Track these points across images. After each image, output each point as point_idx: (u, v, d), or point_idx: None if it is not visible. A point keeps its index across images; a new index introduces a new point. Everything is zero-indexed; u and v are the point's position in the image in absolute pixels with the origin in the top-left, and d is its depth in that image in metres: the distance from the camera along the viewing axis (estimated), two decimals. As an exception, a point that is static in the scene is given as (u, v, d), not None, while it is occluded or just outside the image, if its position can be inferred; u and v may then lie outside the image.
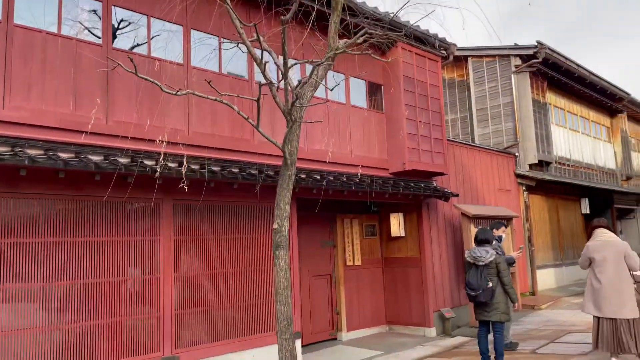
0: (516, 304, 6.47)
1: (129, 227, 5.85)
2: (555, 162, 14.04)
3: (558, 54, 13.31)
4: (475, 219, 9.85)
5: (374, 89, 9.05)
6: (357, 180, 7.84)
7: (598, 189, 15.92)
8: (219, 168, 6.22)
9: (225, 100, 4.69)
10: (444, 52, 9.83)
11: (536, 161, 12.79)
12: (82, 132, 5.26)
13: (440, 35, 9.62)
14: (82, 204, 5.51)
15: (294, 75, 7.26)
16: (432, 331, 9.26)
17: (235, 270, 6.76)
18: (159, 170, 5.28)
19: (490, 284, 6.22)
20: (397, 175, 8.95)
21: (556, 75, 13.69)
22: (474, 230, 9.77)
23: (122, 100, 5.78)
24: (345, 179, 7.67)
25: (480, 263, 6.26)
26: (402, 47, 8.86)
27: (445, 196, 9.38)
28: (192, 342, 6.20)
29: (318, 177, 7.29)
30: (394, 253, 10.05)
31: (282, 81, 4.81)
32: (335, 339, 9.22)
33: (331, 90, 6.24)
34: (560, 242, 14.31)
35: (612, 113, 18.17)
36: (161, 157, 5.20)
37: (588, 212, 15.68)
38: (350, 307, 9.46)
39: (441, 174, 9.45)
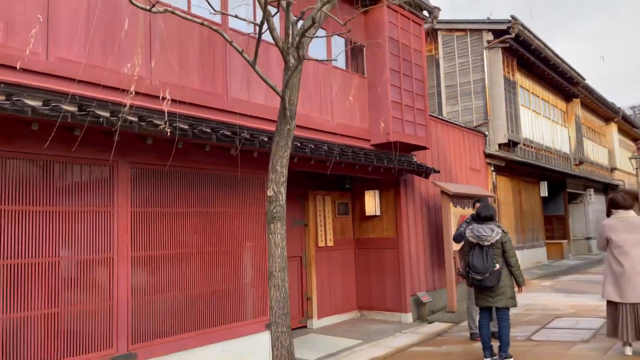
0: (523, 287, 5.86)
1: (75, 195, 4.65)
2: (521, 143, 13.79)
3: (529, 31, 12.97)
4: (455, 197, 9.25)
5: (355, 51, 8.14)
6: (340, 150, 6.94)
7: (554, 173, 15.96)
8: (187, 126, 5.11)
9: (213, 25, 3.61)
10: (427, 15, 9.06)
11: (506, 141, 12.43)
12: (13, 68, 3.99)
13: (423, -2, 8.84)
14: (12, 162, 4.25)
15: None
16: (408, 317, 8.61)
17: (205, 250, 5.70)
18: (119, 123, 4.12)
19: (498, 266, 5.55)
20: (379, 147, 8.14)
21: (526, 53, 13.37)
22: (453, 209, 9.18)
23: (67, 31, 4.52)
24: (327, 148, 6.75)
25: (486, 243, 5.57)
26: (387, 4, 7.98)
27: (427, 172, 8.68)
28: (152, 336, 5.11)
29: (298, 144, 6.32)
30: (368, 233, 9.28)
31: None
32: (305, 326, 8.36)
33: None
34: (522, 225, 14.18)
35: (567, 97, 18.31)
36: (127, 107, 4.03)
37: (546, 195, 15.69)
38: (322, 292, 8.61)
39: (423, 147, 8.74)
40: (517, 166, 13.67)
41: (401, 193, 8.90)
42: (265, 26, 3.71)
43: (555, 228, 18.49)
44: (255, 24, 3.64)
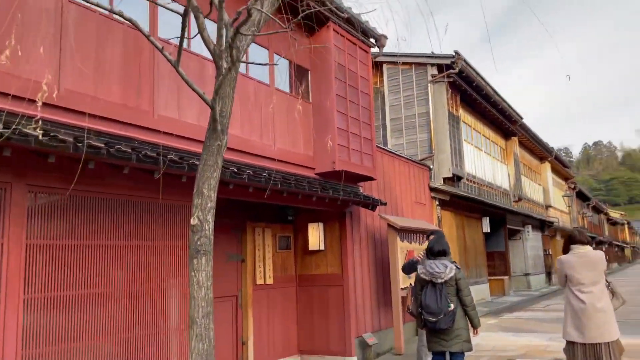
0: (478, 329, 5.39)
1: (-51, 223, 3.75)
2: (465, 178, 13.76)
3: (471, 67, 13.13)
4: (402, 231, 8.83)
5: (300, 74, 7.68)
6: (282, 177, 6.35)
7: (496, 209, 16.07)
8: (102, 144, 4.35)
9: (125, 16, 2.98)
10: (374, 42, 8.81)
11: (450, 175, 12.30)
12: None
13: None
14: None
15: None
16: (353, 361, 7.95)
17: (120, 291, 4.85)
18: (11, 135, 3.35)
19: (452, 306, 5.07)
20: (324, 176, 7.61)
21: (468, 89, 13.50)
22: (400, 243, 8.74)
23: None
24: (267, 175, 6.13)
25: (440, 280, 5.10)
26: (334, 28, 7.64)
27: (374, 204, 8.23)
28: (46, 398, 4.16)
29: (235, 169, 5.67)
30: (311, 269, 8.64)
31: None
32: (240, 375, 7.50)
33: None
34: (466, 261, 14.00)
35: (507, 135, 18.77)
36: (24, 118, 3.27)
37: (488, 230, 15.71)
38: (259, 335, 7.81)
39: (370, 178, 8.30)
40: (461, 201, 13.58)
41: (347, 226, 8.38)
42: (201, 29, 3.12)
43: (496, 264, 18.57)
44: (179, 14, 3.03)
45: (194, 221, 3.27)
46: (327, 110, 7.48)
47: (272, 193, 6.22)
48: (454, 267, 5.17)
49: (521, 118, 18.17)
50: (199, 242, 3.25)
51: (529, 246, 21.15)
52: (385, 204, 8.58)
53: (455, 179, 13.08)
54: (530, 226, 20.63)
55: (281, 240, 8.55)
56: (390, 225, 8.66)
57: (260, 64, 4.76)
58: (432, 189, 12.12)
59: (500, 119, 16.64)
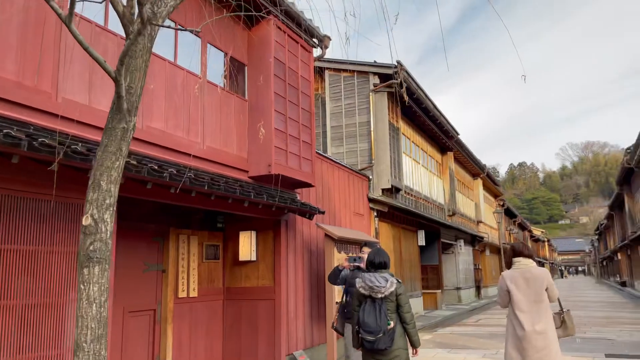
0: (417, 349, 4.98)
1: None
2: (403, 190, 13.61)
3: (413, 79, 13.05)
4: (340, 242, 8.38)
5: (236, 68, 7.08)
6: (210, 179, 5.71)
7: (432, 222, 16.08)
8: (-15, 126, 3.56)
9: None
10: (317, 42, 8.38)
11: (389, 186, 12.06)
12: None
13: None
14: None
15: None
16: (282, 381, 7.34)
17: (4, 304, 4.01)
18: None
19: (392, 324, 4.63)
20: (258, 180, 7.03)
21: (409, 100, 13.41)
22: (337, 255, 8.27)
23: None
24: (193, 176, 5.47)
25: (380, 295, 4.64)
26: (275, 22, 7.12)
27: (311, 212, 7.72)
28: None
29: (156, 166, 4.98)
30: (241, 282, 7.98)
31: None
32: (156, 399, 6.69)
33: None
34: (402, 274, 13.80)
35: (443, 150, 18.99)
36: None
37: (424, 243, 15.65)
38: (179, 354, 7.04)
39: (308, 185, 7.80)
40: (399, 213, 13.39)
41: (281, 235, 7.81)
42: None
43: (430, 277, 18.60)
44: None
45: (86, 221, 2.61)
46: (264, 109, 6.92)
47: (198, 196, 5.56)
48: (395, 281, 4.73)
49: (457, 134, 18.44)
50: (91, 247, 2.59)
51: (461, 260, 21.46)
52: (323, 212, 8.10)
53: (394, 190, 12.88)
54: (462, 240, 20.94)
55: (209, 249, 7.84)
56: (327, 236, 8.19)
57: (182, 29, 4.09)
58: (370, 200, 11.82)
59: (438, 134, 16.77)
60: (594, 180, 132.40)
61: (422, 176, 16.28)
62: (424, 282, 17.13)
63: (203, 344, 7.50)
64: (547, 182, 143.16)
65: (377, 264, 4.82)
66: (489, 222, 28.51)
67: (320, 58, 8.43)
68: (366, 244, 5.90)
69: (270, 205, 6.72)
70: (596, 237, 61.93)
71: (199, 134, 6.10)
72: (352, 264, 5.96)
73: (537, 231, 61.46)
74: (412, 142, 15.50)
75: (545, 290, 4.82)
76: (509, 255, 5.14)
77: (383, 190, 12.17)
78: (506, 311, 4.93)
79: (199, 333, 7.43)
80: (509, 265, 5.15)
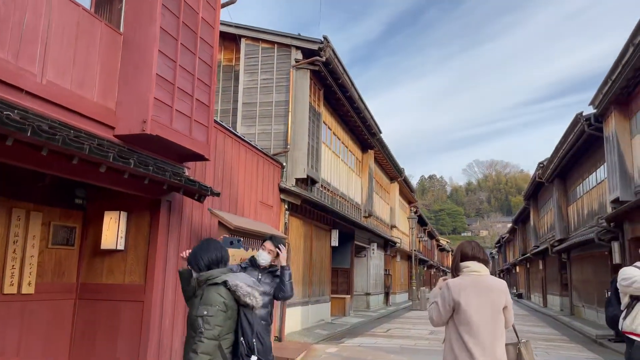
0: None
1: None
2: (320, 183, 12.25)
3: (339, 60, 11.75)
4: (237, 233, 6.78)
5: (110, -12, 5.25)
6: (50, 128, 3.89)
7: (347, 222, 14.89)
8: None
9: None
10: (229, -16, 6.73)
11: (305, 176, 10.63)
12: None
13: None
14: None
15: None
16: (146, 409, 5.59)
17: None
18: None
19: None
20: (130, 142, 5.25)
21: (333, 85, 12.08)
22: (232, 250, 6.65)
23: None
24: (19, 119, 3.63)
25: (257, 304, 3.05)
26: (170, -63, 5.38)
27: (201, 193, 6.05)
28: None
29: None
30: (101, 277, 6.12)
31: None
32: None
33: None
34: (311, 277, 12.42)
35: (364, 147, 17.96)
36: None
37: (337, 244, 14.41)
38: (-3, 373, 5.07)
39: (201, 157, 6.12)
40: (313, 209, 12.01)
41: (161, 220, 6.07)
42: None
43: (339, 282, 17.43)
44: None
45: None
46: (144, 46, 5.16)
47: (28, 151, 3.73)
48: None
49: (380, 132, 17.50)
50: None
51: (372, 265, 20.60)
52: (218, 194, 6.44)
53: (309, 182, 11.47)
54: (376, 244, 20.08)
55: (59, 231, 5.91)
56: (221, 224, 6.56)
57: None
58: (282, 190, 10.31)
59: (361, 128, 15.65)
60: (495, 197, 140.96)
61: (341, 172, 15.06)
62: (333, 287, 15.90)
63: (40, 356, 5.56)
64: (453, 195, 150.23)
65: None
66: (402, 228, 28.15)
67: (231, 2, 6.78)
68: (271, 237, 4.40)
69: (142, 176, 4.97)
70: (496, 249, 65.05)
71: (36, 61, 4.23)
72: (245, 261, 4.41)
73: (443, 241, 63.40)
74: (334, 133, 14.22)
75: (503, 309, 3.55)
76: (456, 257, 3.81)
77: (297, 180, 10.72)
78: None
79: (33, 342, 5.48)
80: (454, 272, 3.84)
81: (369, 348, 9.72)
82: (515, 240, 39.22)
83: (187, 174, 6.28)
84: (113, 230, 6.01)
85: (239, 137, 8.61)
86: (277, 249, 4.32)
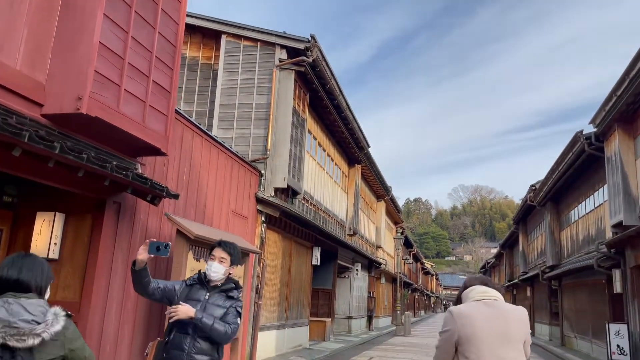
0: None
1: None
2: (302, 195, 11.29)
3: (327, 64, 10.92)
4: (199, 244, 5.77)
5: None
6: None
7: (330, 240, 13.91)
8: None
9: None
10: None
11: (285, 186, 9.67)
12: None
13: None
14: None
15: None
16: None
17: None
18: None
19: None
20: (63, 124, 4.27)
21: (320, 90, 11.22)
22: (192, 261, 5.66)
23: None
24: None
25: (21, 343, 1.87)
26: None
27: (155, 194, 5.06)
28: None
29: None
30: (29, 291, 5.04)
31: None
32: None
33: None
34: (288, 298, 11.37)
35: (351, 161, 17.08)
36: None
37: (318, 263, 13.39)
38: None
39: (157, 152, 5.14)
40: (293, 222, 11.03)
41: (106, 224, 5.06)
42: None
43: (320, 304, 16.36)
44: None
45: None
46: (84, 8, 4.22)
47: None
48: (61, 314, 2.02)
49: (368, 146, 16.67)
50: None
51: (355, 286, 19.57)
52: (176, 196, 5.44)
53: (291, 193, 10.51)
54: (360, 264, 19.08)
55: (-22, 233, 4.86)
56: (180, 232, 5.55)
57: None
58: (259, 201, 9.33)
59: (348, 140, 14.78)
60: (479, 222, 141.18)
61: (326, 185, 14.13)
62: (313, 309, 14.83)
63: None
64: (438, 219, 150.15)
65: (9, 281, 2.03)
66: (387, 249, 27.20)
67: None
68: (220, 243, 3.42)
69: (74, 166, 3.98)
70: (480, 274, 64.24)
71: None
72: (192, 277, 3.42)
73: (428, 264, 62.51)
74: (319, 143, 13.33)
75: (524, 344, 2.67)
76: (460, 291, 2.93)
77: (277, 190, 9.75)
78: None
79: None
80: (458, 302, 2.93)
81: (349, 380, 8.67)
82: (502, 265, 38.46)
83: (140, 171, 5.29)
84: (45, 234, 4.98)
85: (211, 136, 7.65)
86: (229, 257, 3.34)
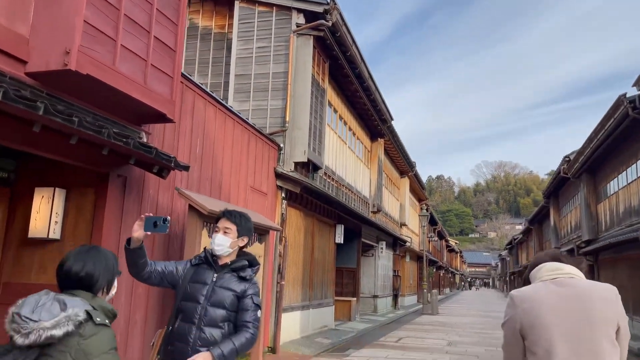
0: None
1: None
2: (323, 170, 10.72)
3: (348, 29, 10.21)
4: (213, 220, 5.25)
5: None
6: None
7: (354, 217, 13.35)
8: None
9: None
10: None
11: (305, 160, 9.11)
12: None
13: None
14: None
15: None
16: None
17: None
18: None
19: None
20: (50, 83, 3.74)
21: (340, 58, 10.54)
22: (207, 240, 5.17)
23: None
24: None
25: (22, 339, 1.62)
26: None
27: (163, 164, 4.54)
28: None
29: None
30: (30, 275, 4.66)
31: None
32: None
33: None
34: (312, 277, 10.90)
35: (373, 136, 16.40)
36: None
37: (342, 242, 12.87)
38: None
39: (163, 117, 4.60)
40: (315, 199, 10.48)
41: (110, 200, 4.58)
42: None
43: (344, 283, 15.90)
44: None
45: None
46: (72, -52, 3.65)
47: None
48: (81, 315, 1.71)
49: (392, 118, 15.94)
50: None
51: (380, 265, 19.05)
52: (186, 168, 4.91)
53: (312, 168, 9.95)
54: (384, 243, 18.52)
55: (-30, 212, 4.43)
56: (192, 208, 5.04)
57: None
58: (278, 176, 8.79)
59: (371, 112, 14.09)
60: (503, 198, 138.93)
61: (348, 160, 13.52)
62: (337, 288, 14.37)
63: None
64: (461, 196, 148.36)
65: (69, 274, 1.86)
66: (412, 227, 26.56)
67: None
68: (225, 213, 2.88)
69: (65, 131, 3.47)
70: (506, 251, 63.20)
71: None
72: (198, 255, 2.90)
73: (452, 241, 61.70)
74: (340, 116, 12.68)
75: (617, 331, 2.05)
76: (531, 266, 2.31)
77: (296, 165, 9.19)
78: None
79: None
80: (526, 283, 2.32)
81: (380, 363, 8.19)
82: (530, 241, 37.46)
83: (145, 140, 4.77)
84: (45, 212, 4.52)
85: (225, 106, 7.09)
86: (235, 227, 2.79)
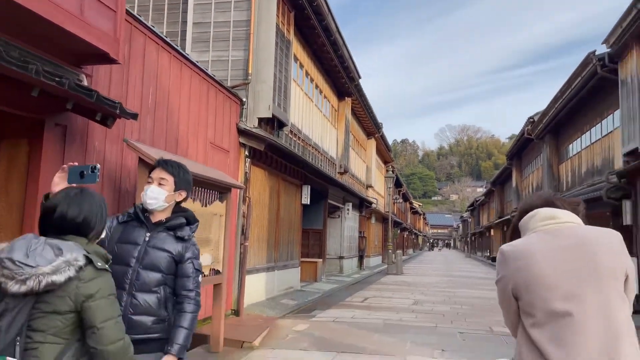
0: None
1: None
2: (289, 127, 10.27)
3: (315, -23, 9.59)
4: (168, 175, 4.78)
5: None
6: None
7: (321, 177, 13.04)
8: None
9: None
10: None
11: (270, 115, 8.63)
12: None
13: None
14: None
15: None
16: None
17: None
18: None
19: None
20: (-40, 9, 3.15)
21: (306, 7, 9.95)
22: (160, 197, 4.68)
23: None
24: None
25: (17, 287, 1.55)
26: None
27: (106, 110, 4.01)
28: None
29: None
30: (-44, 235, 4.10)
31: None
32: None
33: None
34: (277, 238, 10.60)
35: (340, 94, 15.96)
36: None
37: (308, 202, 12.58)
38: None
39: (106, 57, 4.05)
40: (280, 158, 10.07)
41: (46, 151, 4.05)
42: None
43: (311, 244, 15.74)
44: None
45: None
46: None
47: None
48: (80, 259, 1.62)
49: (359, 77, 15.49)
50: None
51: (346, 226, 18.97)
52: (134, 115, 4.39)
53: (276, 124, 9.49)
54: (351, 204, 18.38)
55: None
56: (142, 161, 4.56)
57: None
58: (241, 132, 8.31)
59: (338, 69, 13.60)
60: (465, 161, 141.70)
61: (315, 118, 13.08)
62: (303, 249, 14.18)
63: None
64: (425, 160, 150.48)
65: (63, 219, 1.72)
66: (378, 188, 26.56)
67: None
68: (160, 162, 2.46)
69: (-21, 63, 2.91)
70: (468, 213, 64.78)
71: None
72: (126, 211, 2.48)
73: (416, 204, 62.68)
74: (306, 72, 12.15)
75: (625, 281, 1.75)
76: (520, 213, 1.98)
77: (260, 120, 8.71)
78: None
79: None
80: (513, 234, 2.02)
81: (346, 324, 8.04)
82: (491, 202, 38.33)
83: (86, 84, 4.21)
84: (-30, 165, 3.96)
85: (181, 52, 6.51)
86: (172, 178, 2.40)
